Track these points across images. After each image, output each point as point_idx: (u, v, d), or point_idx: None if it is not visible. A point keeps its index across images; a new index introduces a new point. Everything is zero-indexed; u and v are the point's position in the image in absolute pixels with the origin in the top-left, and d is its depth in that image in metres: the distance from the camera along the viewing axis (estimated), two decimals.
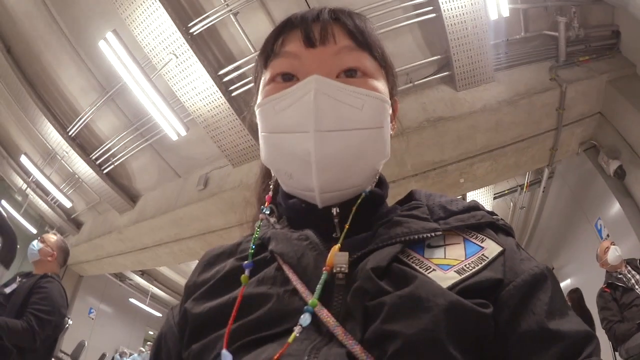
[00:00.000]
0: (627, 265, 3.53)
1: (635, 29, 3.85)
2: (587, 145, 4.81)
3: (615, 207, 4.52)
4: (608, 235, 4.54)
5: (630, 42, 4.17)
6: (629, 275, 3.45)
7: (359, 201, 0.57)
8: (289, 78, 0.58)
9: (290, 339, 0.43)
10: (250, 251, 0.58)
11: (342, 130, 0.54)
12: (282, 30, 0.60)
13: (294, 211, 0.61)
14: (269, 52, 0.61)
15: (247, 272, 0.54)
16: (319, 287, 0.47)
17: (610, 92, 4.21)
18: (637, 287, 3.35)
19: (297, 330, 0.44)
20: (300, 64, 0.57)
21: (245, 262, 0.56)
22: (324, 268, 0.49)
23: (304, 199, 0.59)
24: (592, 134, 4.73)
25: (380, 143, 0.59)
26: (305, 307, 0.46)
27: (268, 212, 0.63)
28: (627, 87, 4.09)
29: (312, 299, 0.46)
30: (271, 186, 0.64)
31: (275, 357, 0.42)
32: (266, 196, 0.64)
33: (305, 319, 0.45)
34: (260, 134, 0.60)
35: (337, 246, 0.51)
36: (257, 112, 0.60)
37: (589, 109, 4.44)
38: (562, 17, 4.07)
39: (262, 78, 0.62)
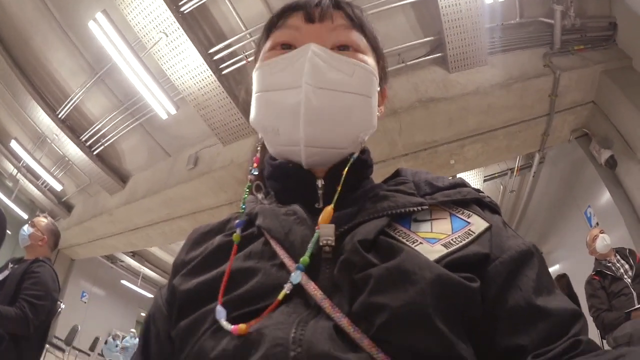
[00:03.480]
0: (617, 254, 3.55)
1: (633, 21, 3.83)
2: (579, 133, 4.80)
3: (606, 196, 4.52)
4: (597, 224, 4.56)
5: (626, 35, 4.15)
6: (618, 265, 3.46)
7: (349, 164, 0.58)
8: (287, 47, 0.62)
9: (280, 295, 0.44)
10: (240, 210, 0.59)
11: (332, 90, 0.56)
12: (287, 9, 0.65)
13: (280, 175, 0.61)
14: (272, 24, 0.66)
15: (238, 230, 0.56)
16: (310, 245, 0.48)
17: (604, 83, 4.20)
18: (625, 276, 3.36)
19: (287, 288, 0.44)
20: (300, 35, 0.61)
21: (237, 221, 0.57)
22: (316, 227, 0.50)
23: (289, 158, 0.59)
24: (585, 123, 4.73)
25: (367, 112, 0.60)
26: (297, 265, 0.46)
27: (256, 173, 0.63)
28: (621, 79, 4.08)
29: (303, 258, 0.46)
30: (258, 148, 0.65)
31: (265, 313, 0.43)
32: (254, 157, 0.64)
33: (296, 276, 0.45)
34: (254, 95, 0.62)
35: (331, 207, 0.52)
36: (254, 75, 0.63)
37: (582, 98, 4.43)
38: (558, 5, 4.03)
39: (264, 47, 0.66)
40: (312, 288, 0.45)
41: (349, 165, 0.58)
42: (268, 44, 0.64)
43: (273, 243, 0.52)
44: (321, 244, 0.49)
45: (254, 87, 0.62)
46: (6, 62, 5.18)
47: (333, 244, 0.49)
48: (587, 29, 4.28)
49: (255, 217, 0.57)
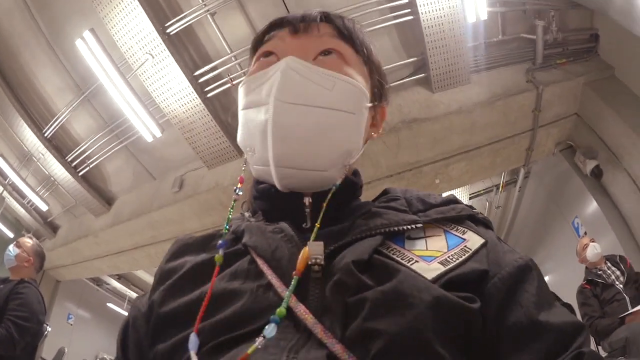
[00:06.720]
0: (607, 262, 3.58)
1: (615, 32, 3.87)
2: (563, 146, 4.87)
3: (593, 206, 4.58)
4: (585, 233, 4.59)
5: (609, 45, 4.22)
6: (609, 272, 3.49)
7: (331, 193, 0.55)
8: (268, 55, 0.60)
9: (250, 350, 0.40)
10: (224, 230, 0.57)
11: (306, 105, 0.53)
12: (274, 24, 0.64)
13: (265, 197, 0.59)
14: (259, 40, 0.64)
15: (220, 251, 0.53)
16: (287, 293, 0.44)
17: (587, 94, 4.27)
18: (617, 282, 3.39)
19: (258, 342, 0.40)
20: (284, 46, 0.59)
21: (220, 241, 0.54)
22: (293, 273, 0.46)
23: (266, 179, 0.58)
24: (569, 135, 4.79)
25: (350, 129, 0.57)
26: (272, 317, 0.42)
27: (241, 193, 0.61)
28: (604, 89, 4.15)
29: (279, 309, 0.43)
30: (243, 168, 0.63)
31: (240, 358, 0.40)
32: (239, 177, 0.62)
33: (270, 330, 0.41)
34: (239, 113, 0.61)
35: (307, 248, 0.48)
36: (239, 91, 0.61)
37: (565, 111, 4.50)
38: (540, 21, 4.10)
39: (251, 63, 0.65)
40: (303, 311, 0.43)
41: (335, 188, 0.55)
42: (254, 58, 0.63)
43: (259, 262, 0.50)
44: (310, 262, 0.46)
45: (239, 104, 0.61)
46: None
47: (322, 262, 0.46)
48: (569, 42, 4.34)
49: (241, 234, 0.55)
